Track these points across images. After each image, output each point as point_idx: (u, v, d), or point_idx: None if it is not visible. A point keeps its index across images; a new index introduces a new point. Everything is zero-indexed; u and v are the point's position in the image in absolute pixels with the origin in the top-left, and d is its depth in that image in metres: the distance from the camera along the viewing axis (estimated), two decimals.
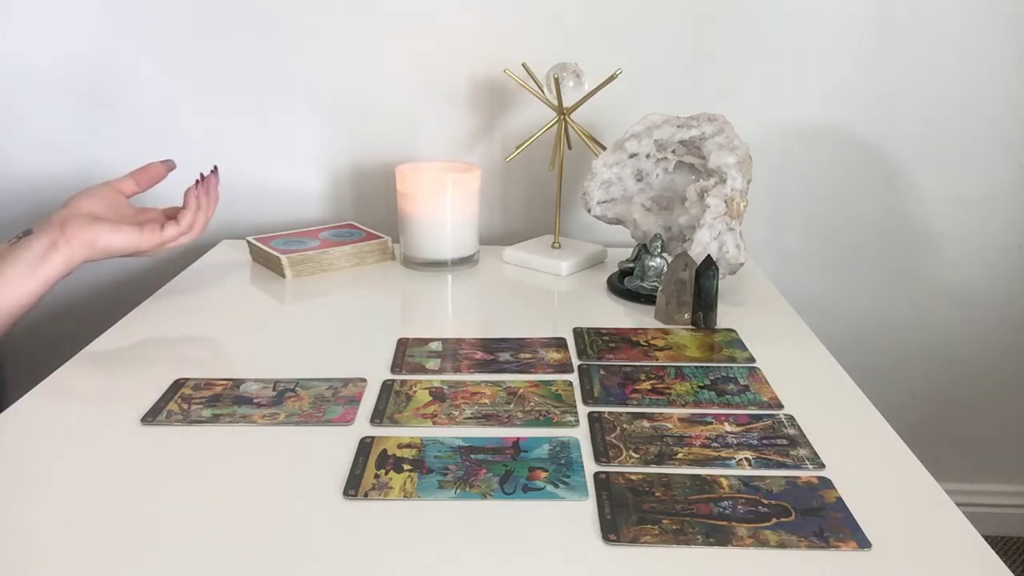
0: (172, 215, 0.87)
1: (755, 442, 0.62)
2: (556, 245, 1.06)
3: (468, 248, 1.03)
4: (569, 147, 1.04)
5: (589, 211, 1.00)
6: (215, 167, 0.91)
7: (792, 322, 0.87)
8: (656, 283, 0.91)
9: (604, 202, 1.00)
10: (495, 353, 0.77)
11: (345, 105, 1.14)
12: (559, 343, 0.80)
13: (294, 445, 0.62)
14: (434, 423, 0.65)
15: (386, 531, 0.52)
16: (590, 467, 0.59)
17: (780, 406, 0.68)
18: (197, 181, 0.88)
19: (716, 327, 0.84)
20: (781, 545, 0.51)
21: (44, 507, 0.54)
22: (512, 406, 0.67)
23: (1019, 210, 1.18)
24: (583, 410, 0.67)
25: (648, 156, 0.96)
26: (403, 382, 0.71)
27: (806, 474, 0.58)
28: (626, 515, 0.53)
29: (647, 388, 0.71)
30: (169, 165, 0.90)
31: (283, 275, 0.98)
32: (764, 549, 0.50)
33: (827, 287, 1.22)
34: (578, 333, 0.83)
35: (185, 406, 0.67)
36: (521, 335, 0.82)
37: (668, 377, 0.73)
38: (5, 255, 0.77)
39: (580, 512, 0.54)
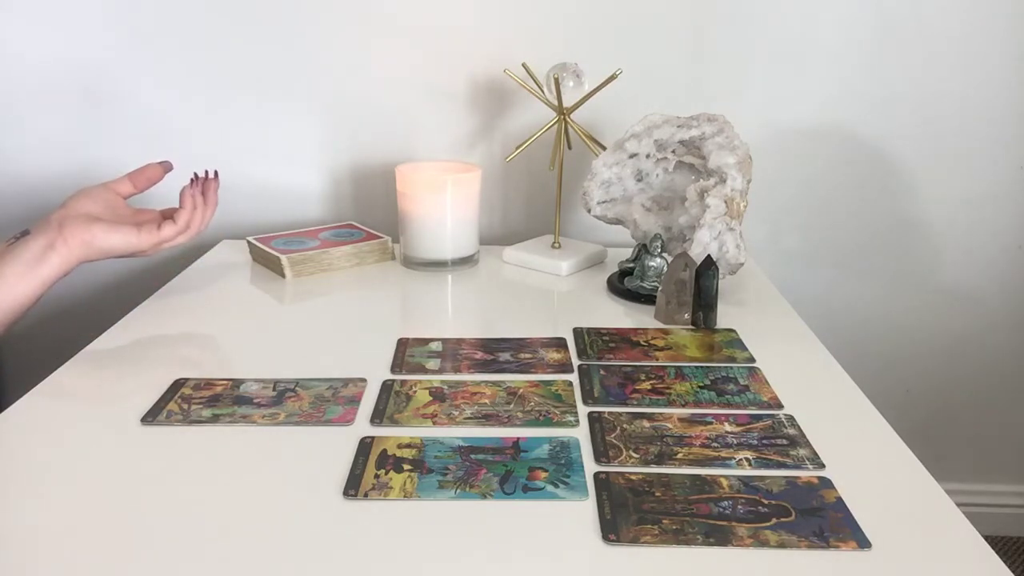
0: (169, 215, 0.87)
1: (755, 442, 0.62)
2: (556, 245, 1.06)
3: (468, 248, 1.03)
4: (569, 147, 1.04)
5: (589, 211, 1.00)
6: (216, 172, 0.91)
7: (792, 322, 0.87)
8: (656, 283, 0.91)
9: (604, 202, 1.00)
10: (495, 353, 0.77)
11: (345, 105, 1.14)
12: (559, 343, 0.80)
13: (294, 445, 0.62)
14: (434, 423, 0.65)
15: (386, 531, 0.52)
16: (590, 467, 0.59)
17: (780, 406, 0.68)
18: (192, 180, 0.88)
19: (716, 327, 0.84)
20: (781, 545, 0.51)
21: (44, 507, 0.54)
22: (512, 406, 0.67)
23: (1019, 210, 1.18)
24: (583, 410, 0.67)
25: (648, 156, 0.96)
26: (403, 382, 0.71)
27: (806, 474, 0.58)
28: (626, 515, 0.53)
29: (647, 388, 0.71)
30: (166, 166, 0.90)
31: (283, 275, 0.98)
32: (764, 549, 0.50)
33: (827, 287, 1.22)
34: (578, 333, 0.83)
35: (185, 406, 0.67)
36: (521, 335, 0.82)
37: (668, 377, 0.73)
38: (3, 256, 0.77)
39: (580, 512, 0.54)
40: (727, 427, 0.64)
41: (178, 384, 0.71)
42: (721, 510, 0.54)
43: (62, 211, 0.81)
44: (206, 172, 0.90)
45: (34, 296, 0.78)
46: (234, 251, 1.09)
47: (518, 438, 0.62)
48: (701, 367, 0.75)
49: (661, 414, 0.66)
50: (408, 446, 0.61)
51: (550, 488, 0.56)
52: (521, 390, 0.70)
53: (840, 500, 0.55)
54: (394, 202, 1.03)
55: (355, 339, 0.81)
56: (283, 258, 0.98)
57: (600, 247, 1.07)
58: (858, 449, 0.62)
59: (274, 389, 0.70)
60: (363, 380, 0.72)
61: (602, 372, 0.74)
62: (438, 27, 1.10)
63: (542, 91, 1.01)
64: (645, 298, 0.91)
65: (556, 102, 0.99)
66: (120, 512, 0.53)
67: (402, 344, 0.79)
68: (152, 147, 1.13)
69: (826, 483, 0.57)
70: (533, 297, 0.95)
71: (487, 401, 0.68)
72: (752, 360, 0.77)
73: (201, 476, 0.58)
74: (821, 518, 0.53)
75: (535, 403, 0.68)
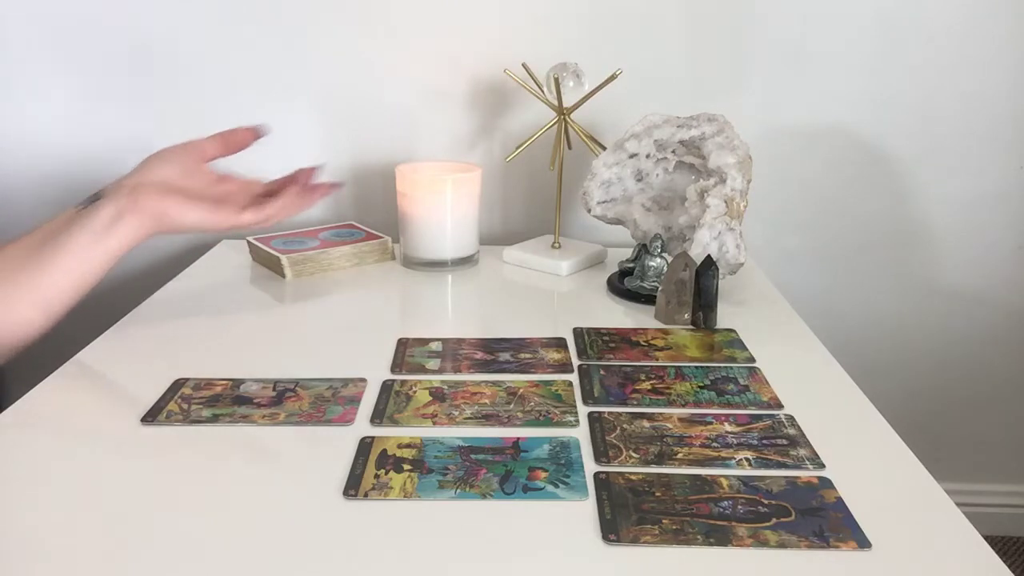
0: (255, 191, 0.80)
1: (755, 442, 0.62)
2: (556, 245, 1.06)
3: (468, 248, 1.03)
4: (569, 147, 1.04)
5: (589, 211, 1.00)
6: (340, 183, 0.83)
7: (792, 322, 0.87)
8: (656, 283, 0.91)
9: (604, 202, 1.00)
10: (495, 353, 0.77)
11: (345, 105, 1.14)
12: (559, 343, 0.80)
13: (294, 445, 0.62)
14: (434, 423, 0.65)
15: (386, 531, 0.52)
16: (590, 467, 0.59)
17: (780, 406, 0.68)
18: (300, 174, 0.80)
19: (716, 327, 0.84)
20: (781, 545, 0.51)
21: (44, 507, 0.54)
22: (512, 406, 0.67)
23: (1019, 210, 1.18)
24: (583, 410, 0.67)
25: (648, 156, 0.96)
26: (403, 382, 0.71)
27: (806, 474, 0.58)
28: (626, 515, 0.53)
29: (647, 388, 0.71)
30: (257, 131, 0.83)
31: (283, 275, 0.98)
32: (764, 549, 0.50)
33: (827, 287, 1.22)
34: (578, 333, 0.83)
35: (185, 406, 0.67)
36: (521, 335, 0.82)
37: (668, 377, 0.73)
38: (70, 223, 0.71)
39: (580, 512, 0.54)
40: (727, 427, 0.64)
41: (178, 384, 0.71)
42: (721, 510, 0.54)
43: (137, 175, 0.75)
44: (326, 182, 0.83)
45: (101, 269, 0.71)
46: (234, 251, 1.09)
47: (518, 438, 0.62)
48: (701, 367, 0.75)
49: (661, 414, 0.66)
50: (408, 446, 0.61)
51: (550, 488, 0.56)
52: (521, 390, 0.70)
53: (840, 500, 0.55)
54: (394, 202, 1.03)
55: (355, 339, 0.81)
56: (283, 258, 0.98)
57: (600, 247, 1.07)
58: (858, 449, 0.62)
59: (274, 389, 0.70)
60: (363, 380, 0.72)
61: (602, 372, 0.74)
62: (438, 27, 1.10)
63: (542, 91, 1.01)
64: (645, 298, 0.91)
65: (556, 102, 0.99)
66: (120, 512, 0.53)
67: (402, 344, 0.79)
68: (153, 148, 1.13)
69: (826, 483, 0.57)
70: (533, 297, 0.95)
71: (487, 401, 0.68)
72: (752, 360, 0.77)
73: (201, 476, 0.58)
74: (821, 518, 0.53)
75: (535, 403, 0.68)
